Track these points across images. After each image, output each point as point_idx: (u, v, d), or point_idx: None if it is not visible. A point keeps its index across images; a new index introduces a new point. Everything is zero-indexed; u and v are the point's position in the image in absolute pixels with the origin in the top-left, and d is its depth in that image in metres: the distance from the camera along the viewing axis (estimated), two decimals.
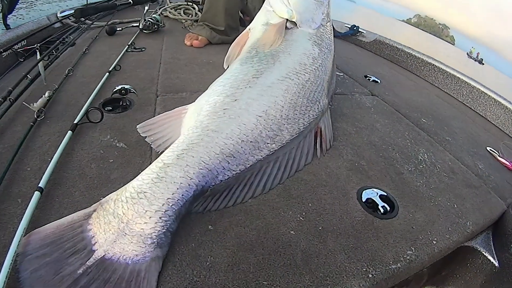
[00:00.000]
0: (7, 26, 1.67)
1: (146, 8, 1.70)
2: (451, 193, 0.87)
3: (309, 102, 0.85)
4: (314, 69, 0.94)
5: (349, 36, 2.31)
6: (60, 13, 2.00)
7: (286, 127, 0.78)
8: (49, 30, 1.80)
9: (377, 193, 0.79)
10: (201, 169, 0.62)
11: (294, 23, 1.09)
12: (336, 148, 0.93)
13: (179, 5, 2.16)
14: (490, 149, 1.25)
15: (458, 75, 1.91)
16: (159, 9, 2.15)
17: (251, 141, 0.71)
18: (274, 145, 0.75)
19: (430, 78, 2.03)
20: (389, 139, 1.05)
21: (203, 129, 0.70)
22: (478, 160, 1.12)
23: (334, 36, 2.16)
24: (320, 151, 0.87)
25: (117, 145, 0.80)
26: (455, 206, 0.82)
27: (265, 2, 1.18)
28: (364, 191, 0.79)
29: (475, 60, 58.92)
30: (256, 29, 1.13)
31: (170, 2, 2.27)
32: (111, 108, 0.97)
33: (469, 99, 1.82)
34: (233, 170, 0.67)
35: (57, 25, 1.91)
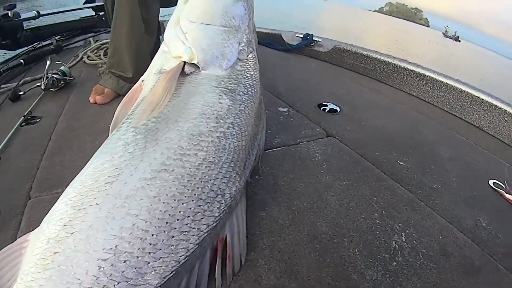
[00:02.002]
0: None
1: (48, 62, 1.38)
2: None
3: (204, 201, 0.54)
4: (218, 137, 0.63)
5: (303, 47, 2.01)
6: None
7: (152, 268, 0.46)
8: None
9: None
10: None
11: (197, 66, 0.78)
12: (253, 264, 0.59)
13: (104, 44, 1.86)
14: (494, 183, 0.94)
15: (439, 78, 1.59)
16: (81, 53, 1.84)
17: None
18: None
19: (405, 87, 1.71)
20: (345, 220, 0.71)
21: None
22: (480, 211, 0.81)
23: (285, 51, 1.86)
24: (221, 280, 0.54)
25: None
26: None
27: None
28: None
29: (451, 38, 60.81)
30: (148, 80, 0.83)
31: (96, 41, 1.97)
32: None
33: (457, 106, 1.51)
34: None
35: None
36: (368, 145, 1.02)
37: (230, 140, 0.64)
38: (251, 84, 0.82)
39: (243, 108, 0.74)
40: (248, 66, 0.84)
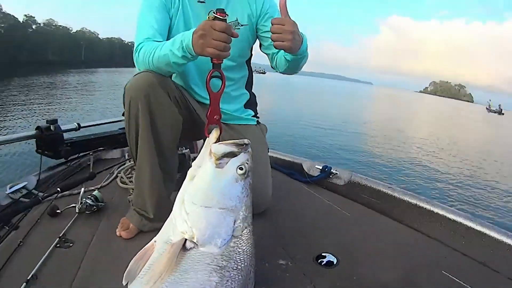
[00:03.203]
0: None
1: (83, 190, 1.61)
2: None
3: None
4: None
5: (323, 179, 2.13)
6: (10, 188, 1.87)
7: None
8: None
9: None
10: None
11: (195, 243, 0.93)
12: None
13: None
14: None
15: (460, 219, 1.52)
16: (116, 171, 2.09)
17: None
18: None
19: (423, 227, 1.68)
20: None
21: None
22: None
23: (305, 182, 2.01)
24: None
25: None
26: None
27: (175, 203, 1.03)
28: None
29: (495, 112, 61.92)
30: (158, 244, 0.98)
31: (129, 161, 2.21)
32: None
33: (486, 251, 1.41)
34: None
35: (5, 201, 1.78)
36: None
37: None
38: (242, 258, 0.94)
39: (229, 284, 0.87)
40: (242, 242, 0.97)
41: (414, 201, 1.74)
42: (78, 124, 2.35)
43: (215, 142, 1.03)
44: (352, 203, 1.96)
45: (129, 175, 2.00)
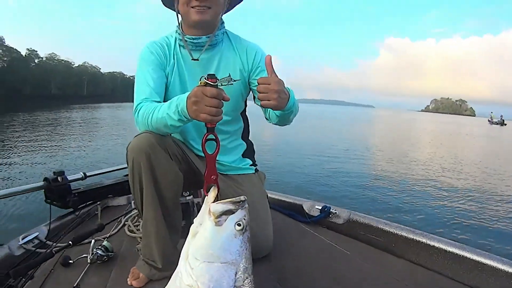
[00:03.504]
0: None
1: (93, 242, 1.72)
2: None
3: None
4: None
5: (323, 219, 2.23)
6: (22, 239, 1.96)
7: None
8: (11, 259, 1.78)
9: None
10: None
11: None
12: None
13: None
14: None
15: (459, 251, 1.60)
16: (123, 219, 2.20)
17: None
18: None
19: (424, 262, 1.74)
20: None
21: None
22: None
23: (306, 223, 2.11)
24: None
25: None
26: None
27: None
28: None
29: (497, 124, 62.56)
30: None
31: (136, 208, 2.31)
32: None
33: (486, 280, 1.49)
34: None
35: (19, 252, 1.88)
36: None
37: None
38: None
39: None
40: None
41: (411, 236, 1.83)
42: (84, 173, 2.47)
43: (214, 201, 1.15)
44: (352, 241, 2.05)
45: (136, 223, 2.11)
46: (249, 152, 1.86)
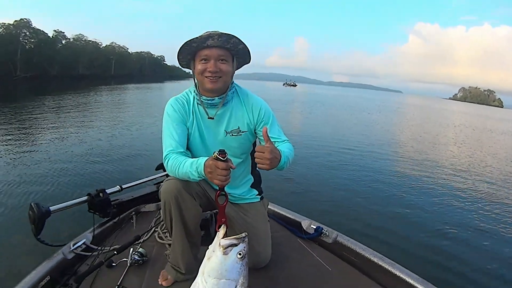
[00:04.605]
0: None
1: (132, 249, 2.24)
2: None
3: None
4: None
5: (316, 237, 2.68)
6: (73, 245, 2.38)
7: None
8: (65, 262, 2.24)
9: None
10: None
11: None
12: None
13: None
14: None
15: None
16: (153, 224, 2.73)
17: None
18: None
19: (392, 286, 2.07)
20: None
21: None
22: None
23: (302, 238, 2.59)
24: None
25: None
26: None
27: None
28: None
29: None
30: None
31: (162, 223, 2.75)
32: None
33: None
34: None
35: (70, 256, 2.31)
36: None
37: None
38: None
39: None
40: None
41: (380, 263, 2.23)
42: (121, 186, 2.94)
43: (223, 237, 1.63)
44: (337, 259, 2.47)
45: (164, 230, 2.65)
46: (256, 183, 2.32)
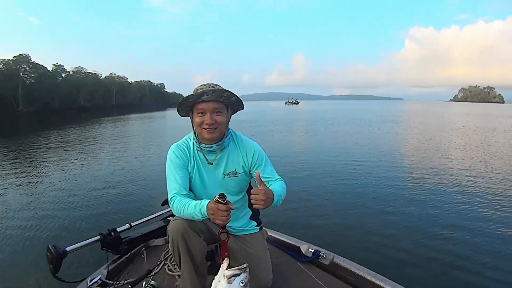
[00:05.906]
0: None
1: (144, 283, 2.46)
2: None
3: None
4: None
5: (314, 260, 2.87)
6: (90, 281, 2.57)
7: None
8: None
9: None
10: None
11: None
12: None
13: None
14: None
15: None
16: (163, 257, 2.94)
17: None
18: None
19: None
20: None
21: None
22: None
23: (301, 261, 2.79)
24: None
25: None
26: None
27: None
28: None
29: None
30: None
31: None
32: None
33: None
34: None
35: None
36: None
37: None
38: None
39: None
40: None
41: (373, 280, 2.42)
42: (130, 224, 3.12)
43: (227, 269, 1.83)
44: (334, 279, 2.68)
45: (173, 263, 2.87)
46: (254, 215, 2.54)
